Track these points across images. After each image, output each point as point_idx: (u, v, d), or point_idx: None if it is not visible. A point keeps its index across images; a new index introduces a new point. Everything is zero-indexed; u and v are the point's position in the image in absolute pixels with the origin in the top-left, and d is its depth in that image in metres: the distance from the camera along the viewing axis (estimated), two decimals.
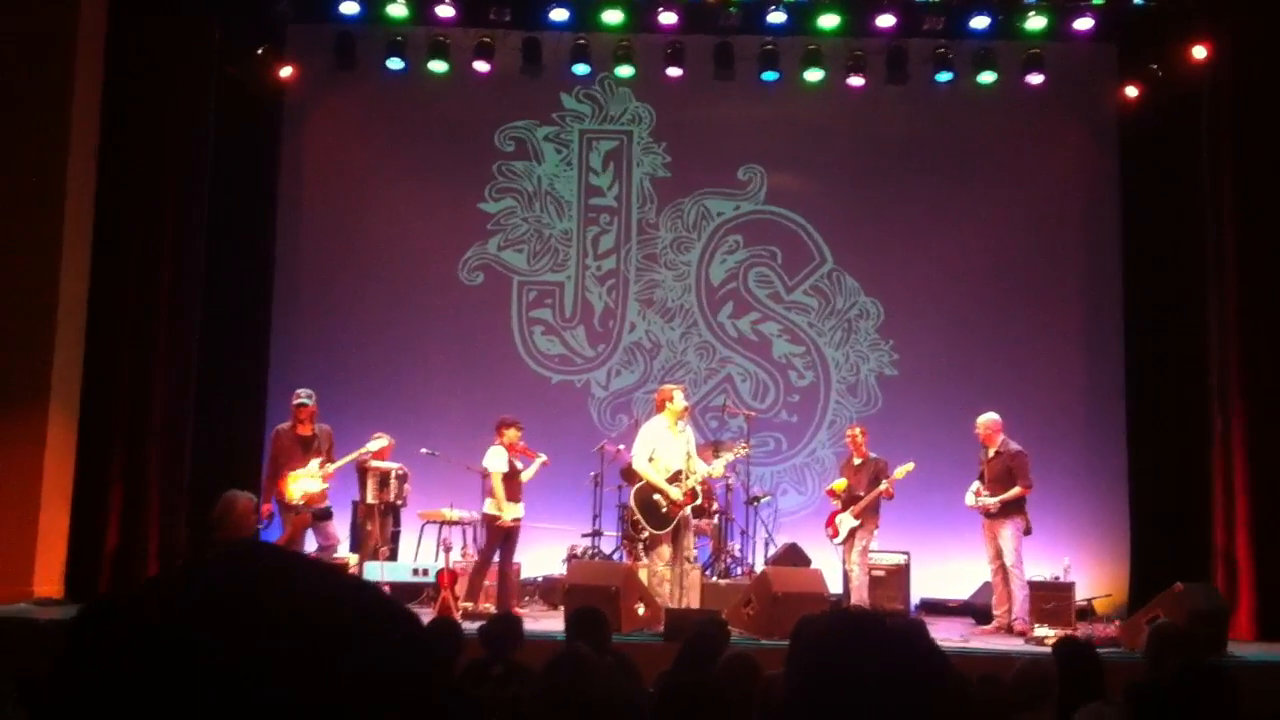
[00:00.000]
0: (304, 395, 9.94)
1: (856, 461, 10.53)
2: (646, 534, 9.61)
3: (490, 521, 10.11)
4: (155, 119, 10.80)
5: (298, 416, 9.88)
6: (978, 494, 10.15)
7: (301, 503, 9.58)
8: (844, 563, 10.51)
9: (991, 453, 10.18)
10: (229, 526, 7.65)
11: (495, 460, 10.07)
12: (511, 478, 10.10)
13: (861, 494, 10.33)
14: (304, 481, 9.64)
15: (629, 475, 11.08)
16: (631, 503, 9.75)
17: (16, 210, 10.09)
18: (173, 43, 10.90)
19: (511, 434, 10.17)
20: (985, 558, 10.29)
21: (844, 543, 10.42)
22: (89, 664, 0.89)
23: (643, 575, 9.59)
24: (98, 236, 10.55)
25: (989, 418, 10.25)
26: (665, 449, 9.64)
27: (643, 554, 10.32)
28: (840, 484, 10.69)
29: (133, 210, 10.70)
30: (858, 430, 10.67)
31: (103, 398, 10.45)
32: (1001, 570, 10.04)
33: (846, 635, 1.45)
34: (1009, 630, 9.84)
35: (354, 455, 10.17)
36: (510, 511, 10.02)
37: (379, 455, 10.41)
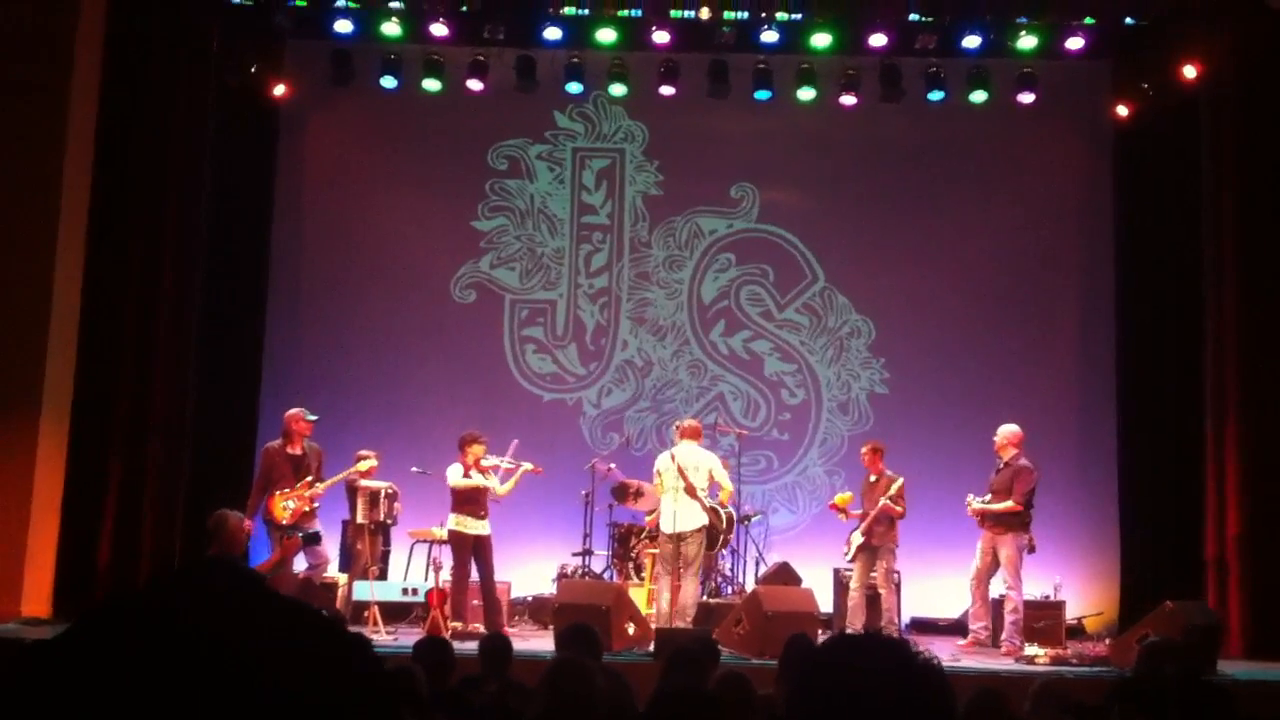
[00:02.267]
0: (307, 413, 9.89)
1: (872, 479, 10.44)
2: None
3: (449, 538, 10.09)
4: (153, 127, 10.68)
5: (299, 433, 9.82)
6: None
7: (290, 522, 9.50)
8: (850, 581, 10.43)
9: (1001, 464, 10.13)
10: (221, 543, 7.66)
11: (449, 476, 10.03)
12: (465, 493, 9.95)
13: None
14: (293, 501, 9.58)
15: (620, 494, 11.10)
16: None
17: (10, 217, 9.93)
18: (172, 50, 10.86)
19: (476, 449, 10.08)
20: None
21: (853, 560, 10.36)
22: (89, 671, 0.88)
23: (637, 595, 9.58)
24: (94, 245, 10.38)
25: (1009, 429, 10.16)
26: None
27: (633, 574, 10.31)
28: (841, 497, 10.63)
29: (131, 219, 10.56)
30: (867, 448, 10.54)
31: (98, 409, 10.27)
32: (981, 584, 10.00)
33: (847, 653, 1.45)
34: (994, 645, 9.80)
35: (342, 476, 10.09)
36: (459, 525, 9.88)
37: (367, 474, 10.33)
